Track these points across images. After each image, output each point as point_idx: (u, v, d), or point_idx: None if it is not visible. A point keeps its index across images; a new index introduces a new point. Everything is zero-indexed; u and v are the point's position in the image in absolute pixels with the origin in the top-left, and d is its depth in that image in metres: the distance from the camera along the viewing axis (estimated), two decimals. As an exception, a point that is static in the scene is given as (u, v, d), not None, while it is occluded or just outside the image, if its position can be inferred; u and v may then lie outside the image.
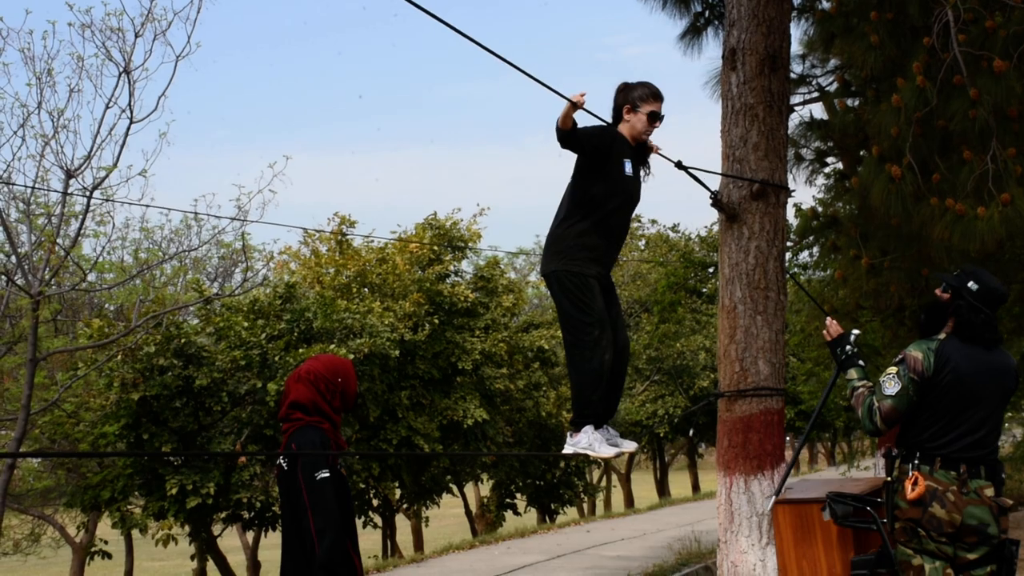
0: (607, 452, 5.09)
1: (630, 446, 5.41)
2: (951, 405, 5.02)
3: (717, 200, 6.64)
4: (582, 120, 5.01)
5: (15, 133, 12.87)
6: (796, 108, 10.67)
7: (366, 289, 19.54)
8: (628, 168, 5.22)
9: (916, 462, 5.05)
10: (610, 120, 5.38)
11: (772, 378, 6.55)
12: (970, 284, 5.16)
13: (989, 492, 4.95)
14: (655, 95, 5.34)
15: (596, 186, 5.14)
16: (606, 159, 5.12)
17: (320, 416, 5.04)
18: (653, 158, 5.57)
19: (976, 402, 5.04)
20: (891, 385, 5.10)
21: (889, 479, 5.19)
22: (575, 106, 4.76)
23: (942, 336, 5.18)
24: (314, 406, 5.06)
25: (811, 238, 12.07)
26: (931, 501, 4.94)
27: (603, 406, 5.24)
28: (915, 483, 4.99)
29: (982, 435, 5.01)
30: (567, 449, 5.13)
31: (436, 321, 18.89)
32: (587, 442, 5.06)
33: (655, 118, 5.33)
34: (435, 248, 20.24)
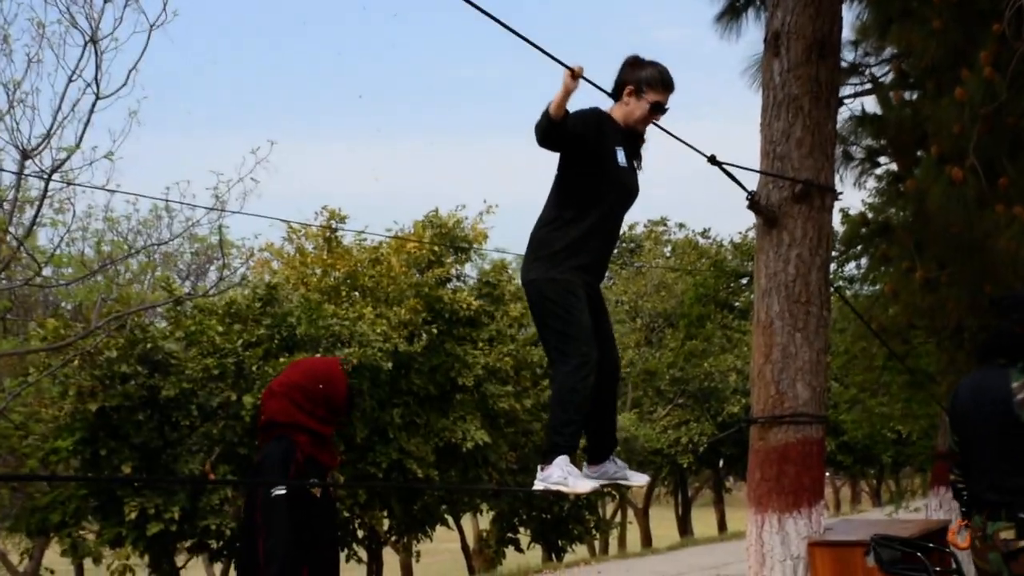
0: (584, 487, 4.91)
1: (640, 479, 5.32)
2: (964, 444, 5.17)
3: (754, 202, 6.64)
4: (579, 100, 4.86)
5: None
6: (846, 101, 10.64)
7: (356, 293, 19.56)
8: (621, 158, 5.06)
9: (963, 509, 5.16)
10: (608, 96, 5.22)
11: (812, 403, 6.54)
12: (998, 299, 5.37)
13: (1005, 535, 5.02)
14: (665, 83, 5.16)
15: (586, 180, 5.00)
16: (594, 148, 4.96)
17: (295, 428, 4.96)
18: (684, 150, 5.54)
19: (977, 438, 5.13)
20: None
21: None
22: (575, 78, 4.56)
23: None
24: (292, 421, 4.96)
25: (859, 247, 12.05)
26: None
27: (595, 436, 5.17)
28: (959, 531, 5.15)
29: (994, 473, 5.06)
30: (537, 485, 4.96)
31: (434, 331, 18.90)
32: (560, 475, 4.87)
33: (659, 110, 5.16)
34: (435, 249, 20.25)
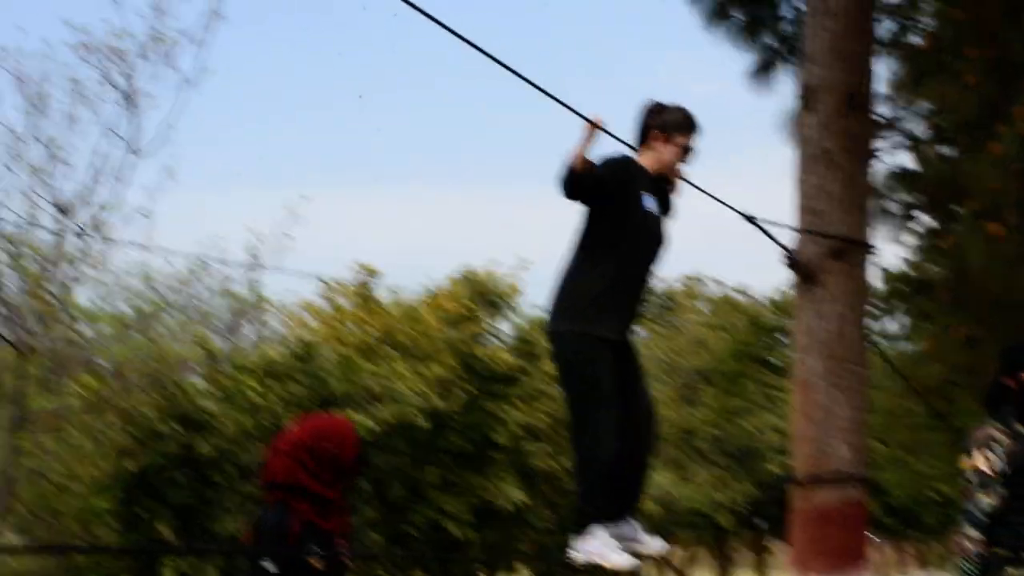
0: (621, 562, 4.73)
1: (656, 545, 5.06)
2: None
3: (792, 259, 6.63)
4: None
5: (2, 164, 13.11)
6: (880, 155, 10.66)
7: (392, 350, 19.56)
8: (649, 204, 4.94)
9: None
10: (632, 145, 5.11)
11: (853, 463, 6.49)
12: None
13: None
14: (692, 125, 5.07)
15: (612, 229, 4.86)
16: (622, 194, 4.84)
17: (295, 492, 4.68)
18: (721, 210, 5.50)
19: None
20: None
21: None
22: (595, 129, 4.52)
23: None
24: (294, 482, 4.70)
25: (898, 304, 12.00)
26: None
27: (621, 495, 4.95)
28: None
29: None
30: (575, 556, 4.80)
31: (471, 388, 18.87)
32: (597, 547, 4.72)
33: (688, 152, 5.06)
34: (471, 306, 20.25)
